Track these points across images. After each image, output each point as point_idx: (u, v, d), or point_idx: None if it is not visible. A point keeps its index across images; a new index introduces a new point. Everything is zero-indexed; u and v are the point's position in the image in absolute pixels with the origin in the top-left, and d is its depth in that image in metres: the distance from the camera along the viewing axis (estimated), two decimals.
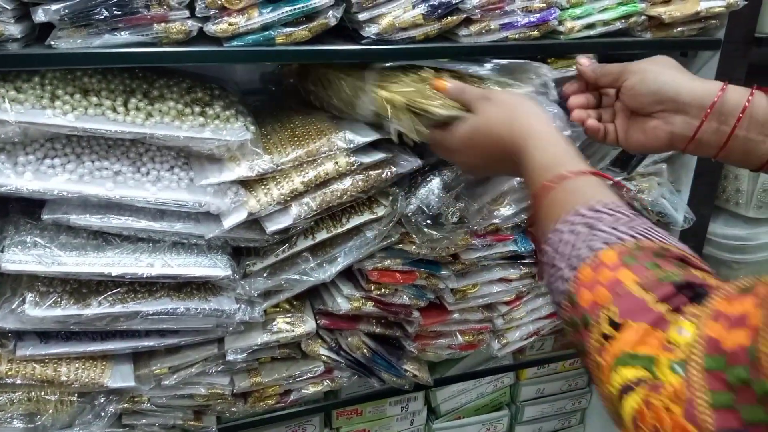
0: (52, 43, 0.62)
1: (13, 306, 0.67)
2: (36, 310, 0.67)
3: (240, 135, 0.72)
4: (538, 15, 0.79)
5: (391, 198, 0.81)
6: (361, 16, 0.69)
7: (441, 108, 0.69)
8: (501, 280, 0.96)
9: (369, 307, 0.86)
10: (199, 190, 0.72)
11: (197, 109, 0.74)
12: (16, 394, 0.73)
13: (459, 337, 0.97)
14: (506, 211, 0.89)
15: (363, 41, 0.71)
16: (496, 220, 0.89)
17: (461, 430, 1.24)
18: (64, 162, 0.68)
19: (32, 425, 0.74)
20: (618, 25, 0.84)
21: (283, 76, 0.98)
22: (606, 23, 0.84)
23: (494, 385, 1.23)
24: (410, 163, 0.79)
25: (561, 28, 0.81)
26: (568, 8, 0.81)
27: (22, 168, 0.66)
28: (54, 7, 0.59)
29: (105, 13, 0.61)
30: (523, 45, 0.79)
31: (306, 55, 0.69)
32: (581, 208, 0.49)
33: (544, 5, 0.79)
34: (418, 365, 0.96)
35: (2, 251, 0.66)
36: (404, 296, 0.88)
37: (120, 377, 0.76)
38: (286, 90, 0.98)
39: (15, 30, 0.59)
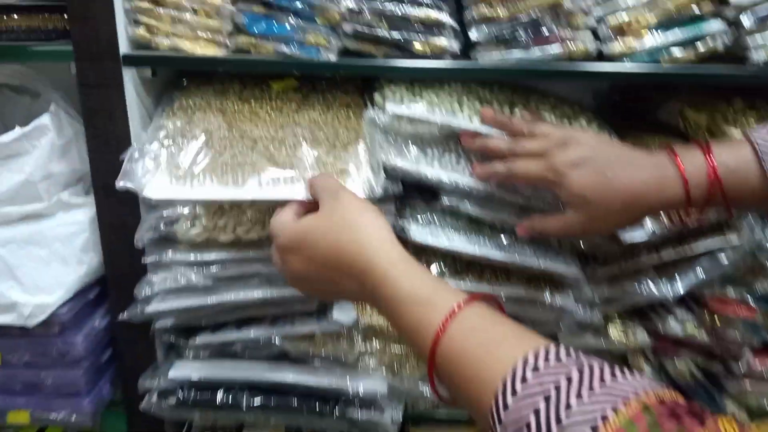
0: (476, 57, 0.76)
1: None
2: None
3: None
4: None
5: (746, 225, 0.82)
6: (753, 42, 0.73)
7: None
8: None
9: (702, 335, 0.86)
10: None
11: (566, 121, 0.83)
12: (389, 346, 0.88)
13: None
14: None
15: (750, 65, 0.74)
16: None
17: None
18: (459, 158, 0.82)
19: (392, 375, 0.89)
20: None
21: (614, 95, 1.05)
22: None
23: None
24: None
25: None
26: None
27: (430, 159, 0.81)
28: (487, 28, 0.74)
29: (524, 34, 0.74)
30: None
31: (692, 76, 0.74)
32: (517, 369, 0.41)
33: None
34: (737, 406, 0.92)
35: (409, 225, 0.81)
36: (736, 331, 0.86)
37: None
38: (615, 107, 1.04)
39: (456, 45, 0.75)
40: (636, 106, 1.00)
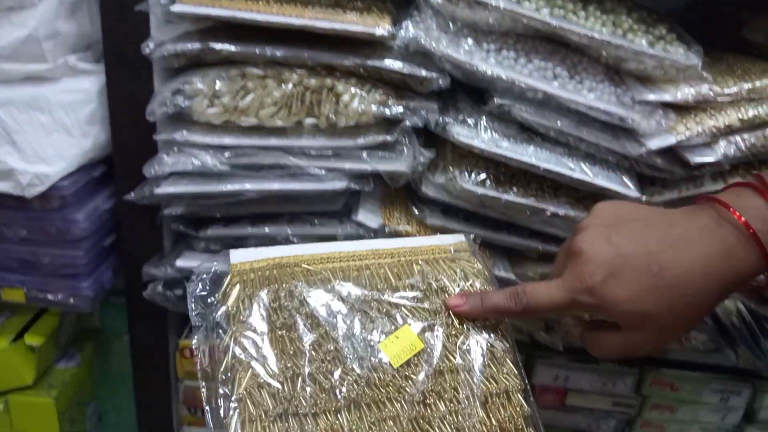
0: None
1: (446, 177, 0.74)
2: (467, 184, 0.73)
3: (688, 59, 0.70)
4: None
5: None
6: None
7: None
8: None
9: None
10: (627, 106, 0.72)
11: (643, 27, 0.73)
12: None
13: None
14: None
15: None
16: None
17: None
18: (517, 56, 0.73)
19: None
20: None
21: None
22: None
23: None
24: None
25: None
26: None
27: (485, 54, 0.72)
28: None
29: None
30: None
31: None
32: None
33: None
34: None
35: (452, 123, 0.73)
36: None
37: (503, 269, 0.81)
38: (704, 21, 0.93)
39: None
40: (715, 28, 0.89)
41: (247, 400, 0.48)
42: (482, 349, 0.54)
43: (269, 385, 0.49)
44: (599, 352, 0.53)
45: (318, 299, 0.54)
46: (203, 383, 0.51)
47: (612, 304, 0.48)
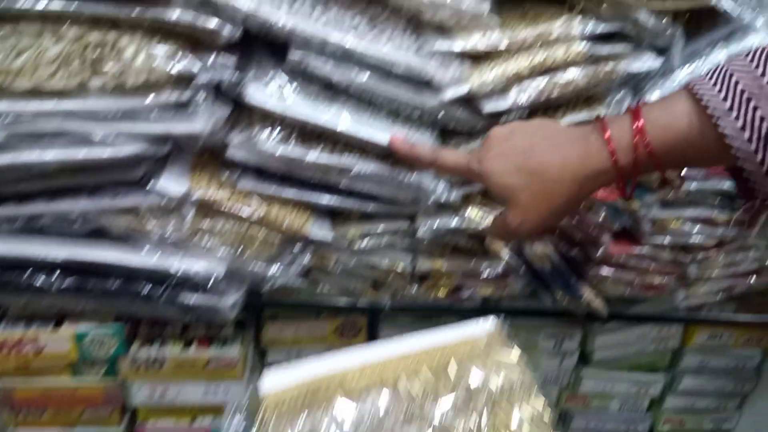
0: None
1: (249, 137, 0.71)
2: (267, 144, 0.71)
3: (477, 6, 0.71)
4: None
5: (611, 99, 0.77)
6: None
7: None
8: (706, 221, 0.89)
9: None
10: (426, 58, 0.73)
11: None
12: (228, 224, 0.78)
13: (644, 276, 0.92)
14: None
15: None
16: None
17: (610, 384, 1.19)
18: (313, 5, 0.71)
19: (235, 256, 0.79)
20: None
21: None
22: None
23: (657, 345, 1.16)
24: (646, 62, 0.75)
25: None
26: None
27: (278, 2, 0.69)
28: None
29: None
30: None
31: None
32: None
33: None
34: (595, 293, 0.92)
35: (247, 84, 0.70)
36: (599, 215, 0.84)
37: (320, 230, 0.80)
38: None
39: None
40: None
41: None
42: None
43: None
44: (490, 230, 0.67)
45: (356, 421, 0.52)
46: None
47: (489, 174, 0.59)
